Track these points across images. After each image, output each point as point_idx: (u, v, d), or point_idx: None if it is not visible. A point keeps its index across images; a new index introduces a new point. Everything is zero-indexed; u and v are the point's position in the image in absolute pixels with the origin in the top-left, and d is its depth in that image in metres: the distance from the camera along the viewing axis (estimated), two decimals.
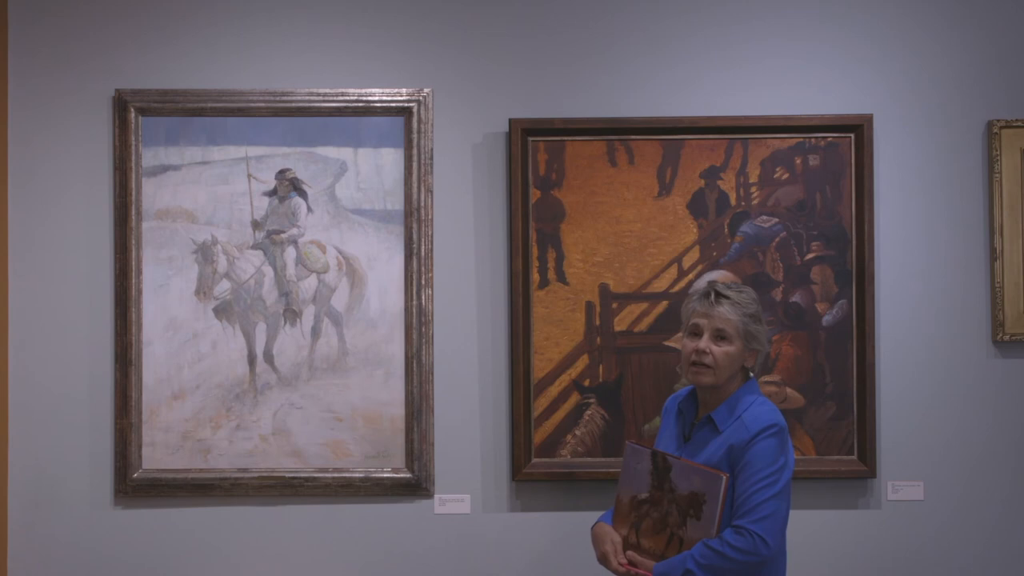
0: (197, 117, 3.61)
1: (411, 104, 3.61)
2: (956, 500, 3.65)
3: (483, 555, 3.63)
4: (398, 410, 3.61)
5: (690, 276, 3.60)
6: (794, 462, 2.81)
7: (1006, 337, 3.62)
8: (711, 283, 2.91)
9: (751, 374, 2.90)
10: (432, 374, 3.61)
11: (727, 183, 3.62)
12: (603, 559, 2.87)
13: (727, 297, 2.84)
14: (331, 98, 3.61)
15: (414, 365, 3.60)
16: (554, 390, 3.61)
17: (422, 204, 3.61)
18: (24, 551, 3.60)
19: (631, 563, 2.80)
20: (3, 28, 3.61)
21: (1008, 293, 3.63)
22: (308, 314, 3.63)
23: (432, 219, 3.62)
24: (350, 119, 3.62)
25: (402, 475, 3.61)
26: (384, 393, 3.62)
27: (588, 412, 3.61)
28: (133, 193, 3.59)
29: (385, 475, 3.61)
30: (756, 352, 2.89)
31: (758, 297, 2.92)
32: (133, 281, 3.58)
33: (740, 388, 2.84)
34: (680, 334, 2.94)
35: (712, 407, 2.85)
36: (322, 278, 3.64)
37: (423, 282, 3.61)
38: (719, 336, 2.83)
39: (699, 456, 2.79)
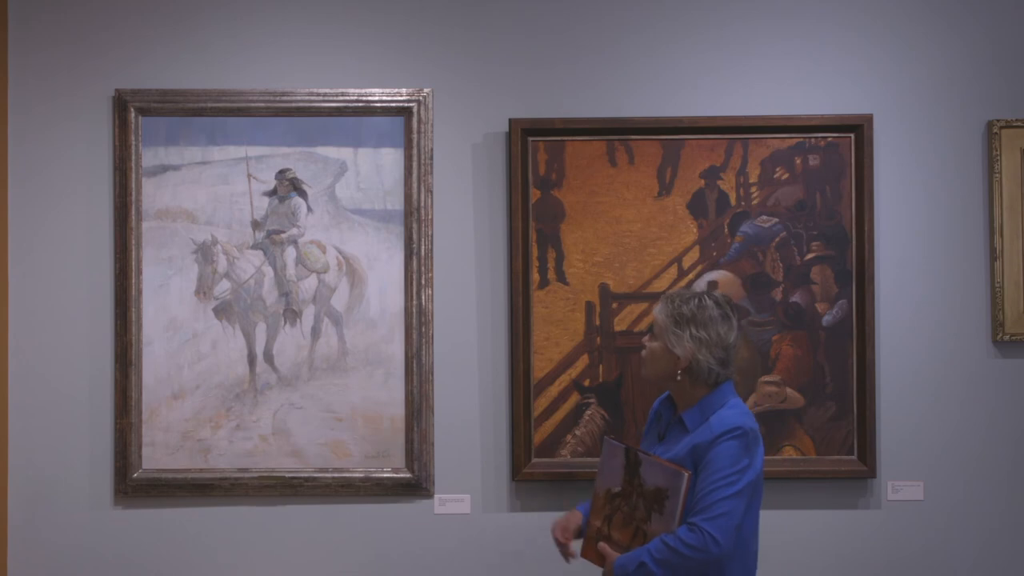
0: (197, 117, 3.60)
1: (411, 104, 3.61)
2: (956, 500, 3.65)
3: (483, 555, 3.63)
4: (398, 410, 3.61)
5: (690, 276, 3.60)
6: (761, 467, 2.78)
7: (1006, 337, 3.62)
8: (709, 284, 2.92)
9: (729, 380, 2.87)
10: (432, 374, 3.61)
11: (727, 183, 3.62)
12: (552, 529, 3.04)
13: (666, 296, 2.91)
14: (331, 98, 3.61)
15: (414, 365, 3.60)
16: (554, 390, 3.61)
17: (422, 204, 3.61)
18: (24, 551, 3.60)
19: (601, 554, 2.86)
20: (3, 28, 3.61)
21: (1008, 293, 3.63)
22: (308, 314, 3.63)
23: (432, 219, 3.62)
24: (350, 119, 3.62)
25: (402, 475, 3.61)
26: (384, 393, 3.61)
27: (588, 412, 3.61)
28: (133, 193, 3.59)
29: (385, 475, 3.61)
30: (687, 358, 2.83)
31: (724, 310, 2.84)
32: (133, 281, 3.58)
33: (711, 393, 2.84)
34: None
35: (683, 408, 2.88)
36: (322, 278, 3.64)
37: (423, 282, 3.61)
38: (652, 332, 2.93)
39: (669, 454, 2.84)
